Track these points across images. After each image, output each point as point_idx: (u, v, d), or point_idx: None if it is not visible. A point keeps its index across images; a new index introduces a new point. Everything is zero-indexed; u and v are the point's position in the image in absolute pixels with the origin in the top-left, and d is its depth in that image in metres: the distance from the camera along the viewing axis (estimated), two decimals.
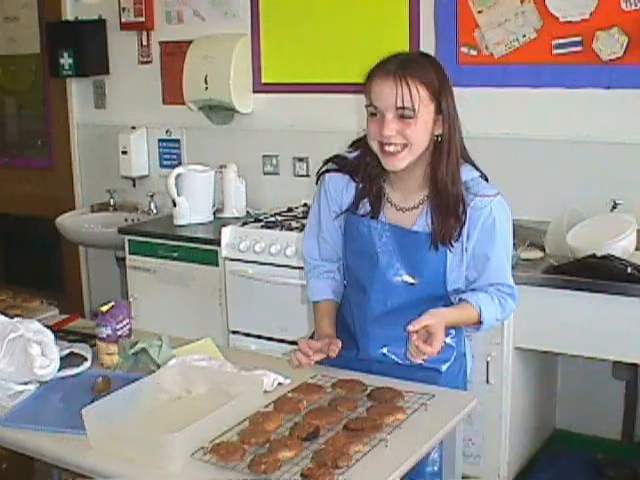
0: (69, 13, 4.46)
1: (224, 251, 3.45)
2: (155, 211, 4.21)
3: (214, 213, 3.85)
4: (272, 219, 3.60)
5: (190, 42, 3.97)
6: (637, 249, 2.89)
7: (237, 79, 3.85)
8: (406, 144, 1.92)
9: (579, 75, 3.17)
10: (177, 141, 4.24)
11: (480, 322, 2.01)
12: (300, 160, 3.87)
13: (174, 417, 1.82)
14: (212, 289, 3.52)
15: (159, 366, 2.04)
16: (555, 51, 3.22)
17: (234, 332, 3.49)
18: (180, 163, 4.17)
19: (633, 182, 3.14)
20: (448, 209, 1.96)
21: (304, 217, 3.37)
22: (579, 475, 3.22)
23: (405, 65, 1.90)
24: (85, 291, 4.76)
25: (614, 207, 3.08)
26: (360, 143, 2.06)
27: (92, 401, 1.81)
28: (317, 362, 2.06)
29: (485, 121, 3.32)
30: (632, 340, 2.72)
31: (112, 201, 4.41)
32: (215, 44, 3.91)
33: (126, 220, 4.21)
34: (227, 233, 3.45)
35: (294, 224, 3.47)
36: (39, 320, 2.16)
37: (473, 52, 3.38)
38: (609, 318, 2.74)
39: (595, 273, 2.73)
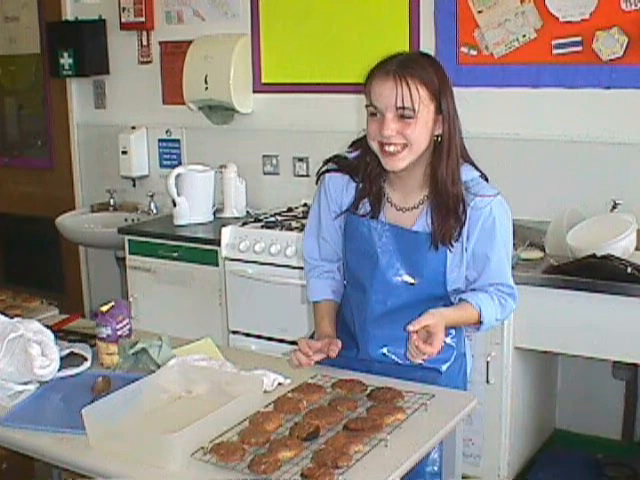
0: (69, 13, 4.46)
1: (224, 251, 3.45)
2: (155, 211, 4.21)
3: (214, 213, 3.86)
4: (272, 219, 3.60)
5: (190, 42, 3.97)
6: (637, 249, 2.89)
7: (237, 79, 3.85)
8: (406, 144, 1.92)
9: (579, 75, 3.17)
10: (177, 141, 4.24)
11: (480, 322, 2.01)
12: (300, 160, 3.87)
13: (174, 417, 1.82)
14: (212, 289, 3.52)
15: (159, 366, 2.04)
16: (555, 51, 3.22)
17: (234, 332, 3.49)
18: (180, 163, 4.17)
19: (633, 182, 3.14)
20: (448, 209, 1.96)
21: (304, 217, 3.37)
22: (579, 475, 3.22)
23: (405, 65, 1.90)
24: (85, 291, 4.77)
25: (614, 207, 3.08)
26: (360, 143, 2.06)
27: (92, 401, 1.81)
28: (317, 362, 2.06)
29: (485, 121, 3.32)
30: (632, 340, 2.72)
31: (112, 201, 4.41)
32: (215, 44, 3.91)
33: (126, 220, 4.21)
34: (227, 233, 3.45)
35: (294, 224, 3.47)
36: (39, 320, 2.16)
37: (473, 52, 3.38)
38: (609, 318, 2.74)
39: (595, 273, 2.73)
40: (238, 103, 3.88)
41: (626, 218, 2.95)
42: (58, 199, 4.67)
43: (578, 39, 3.16)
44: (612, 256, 2.76)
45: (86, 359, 2.14)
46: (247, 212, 3.87)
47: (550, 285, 2.82)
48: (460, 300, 2.02)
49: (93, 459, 1.69)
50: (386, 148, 1.93)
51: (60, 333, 2.32)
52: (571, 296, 2.78)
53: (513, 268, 2.17)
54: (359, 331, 2.09)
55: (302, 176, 3.86)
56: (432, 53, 3.23)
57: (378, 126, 1.92)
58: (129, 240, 3.75)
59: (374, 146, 1.96)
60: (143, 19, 4.13)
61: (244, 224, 3.55)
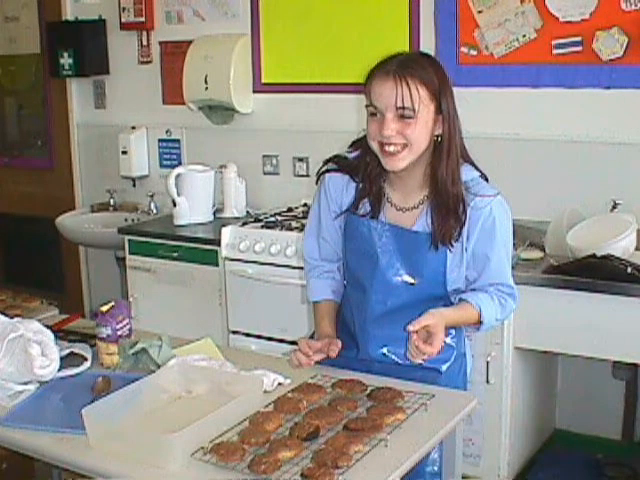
0: (69, 13, 4.46)
1: (224, 251, 3.45)
2: (155, 211, 4.21)
3: (214, 213, 3.86)
4: (272, 219, 3.60)
5: (190, 42, 3.97)
6: (637, 249, 2.89)
7: (237, 79, 3.85)
8: (406, 144, 1.92)
9: (579, 75, 3.18)
10: (177, 141, 4.24)
11: (480, 322, 2.01)
12: (300, 160, 3.87)
13: (174, 417, 1.82)
14: (212, 289, 3.52)
15: (159, 366, 2.04)
16: (555, 51, 3.22)
17: (234, 332, 3.49)
18: (180, 163, 4.17)
19: (633, 182, 3.14)
20: (448, 209, 1.96)
21: (304, 217, 3.37)
22: (579, 475, 3.22)
23: (405, 65, 1.90)
24: (85, 291, 4.77)
25: (614, 207, 3.08)
26: (360, 143, 2.06)
27: (92, 401, 1.81)
28: (317, 362, 2.06)
29: (485, 121, 3.32)
30: (632, 340, 2.72)
31: (112, 201, 4.41)
32: (215, 44, 3.91)
33: (126, 220, 4.21)
34: (227, 233, 3.45)
35: (294, 224, 3.47)
36: (39, 320, 2.16)
37: (473, 52, 3.38)
38: (609, 318, 2.74)
39: (595, 273, 2.73)
40: (238, 103, 3.88)
41: (626, 218, 2.95)
42: (58, 199, 4.67)
43: (578, 39, 3.16)
44: (612, 256, 2.76)
45: (86, 359, 2.14)
46: (247, 212, 3.87)
47: (550, 285, 2.81)
48: (460, 300, 2.02)
49: (93, 459, 1.69)
50: (386, 148, 1.93)
51: (60, 333, 2.32)
52: (571, 296, 2.78)
53: (513, 268, 2.17)
54: (359, 331, 2.09)
55: (302, 176, 3.86)
56: (432, 53, 3.23)
57: (378, 126, 1.92)
58: (129, 240, 3.75)
59: (374, 146, 1.96)
60: (143, 19, 4.13)
61: (244, 224, 3.55)
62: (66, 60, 4.28)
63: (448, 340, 2.02)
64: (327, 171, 2.13)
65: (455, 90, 1.96)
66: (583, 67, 3.17)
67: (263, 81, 3.92)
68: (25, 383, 2.00)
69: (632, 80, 3.09)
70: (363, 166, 2.05)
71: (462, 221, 1.97)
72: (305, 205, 3.70)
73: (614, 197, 3.08)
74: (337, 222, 2.13)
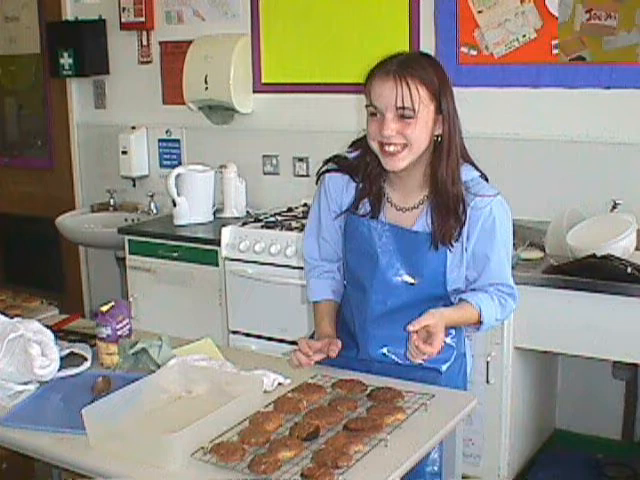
0: (69, 13, 4.47)
1: (224, 251, 3.45)
2: (155, 211, 4.21)
3: (214, 213, 3.86)
4: (272, 219, 3.60)
5: (190, 42, 3.97)
6: (637, 249, 2.89)
7: (237, 79, 3.85)
8: (406, 144, 1.92)
9: (579, 75, 3.17)
10: (177, 141, 4.24)
11: (480, 322, 2.01)
12: (300, 160, 3.87)
13: (174, 417, 1.82)
14: (212, 289, 3.52)
15: (159, 366, 2.04)
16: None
17: (234, 332, 3.49)
18: (180, 163, 4.17)
19: (633, 182, 3.14)
20: (448, 209, 1.96)
21: (304, 217, 3.37)
22: (579, 475, 3.22)
23: (405, 65, 1.90)
24: (85, 291, 4.77)
25: (614, 207, 3.08)
26: (360, 143, 2.06)
27: (92, 401, 1.81)
28: (317, 362, 2.06)
29: (485, 121, 3.32)
30: (632, 340, 2.72)
31: (112, 201, 4.41)
32: (215, 44, 3.91)
33: (126, 220, 4.21)
34: (227, 233, 3.45)
35: (294, 224, 3.47)
36: (39, 320, 2.16)
37: (473, 52, 3.38)
38: (609, 318, 2.74)
39: (595, 273, 2.73)
40: (238, 103, 3.88)
41: (626, 218, 2.95)
42: (58, 199, 4.67)
43: None
44: (612, 256, 2.76)
45: (86, 359, 2.14)
46: (247, 212, 3.87)
47: (550, 285, 2.81)
48: (460, 300, 2.02)
49: (93, 459, 1.69)
50: (386, 148, 1.93)
51: (60, 333, 2.32)
52: (571, 296, 2.78)
53: (513, 268, 2.17)
54: (359, 331, 2.09)
55: (302, 176, 3.86)
56: (432, 53, 3.23)
57: (378, 126, 1.92)
58: (129, 240, 3.75)
59: (374, 146, 1.96)
60: (143, 19, 4.13)
61: (244, 224, 3.54)
62: (66, 60, 4.28)
63: (448, 340, 2.02)
64: (327, 171, 2.13)
65: (455, 90, 1.96)
66: (583, 67, 3.17)
67: (263, 81, 3.92)
68: (25, 383, 2.00)
69: (632, 80, 3.09)
70: (363, 166, 2.05)
71: (462, 221, 1.97)
72: (305, 205, 3.70)
73: (614, 197, 3.08)
74: (337, 222, 2.13)
